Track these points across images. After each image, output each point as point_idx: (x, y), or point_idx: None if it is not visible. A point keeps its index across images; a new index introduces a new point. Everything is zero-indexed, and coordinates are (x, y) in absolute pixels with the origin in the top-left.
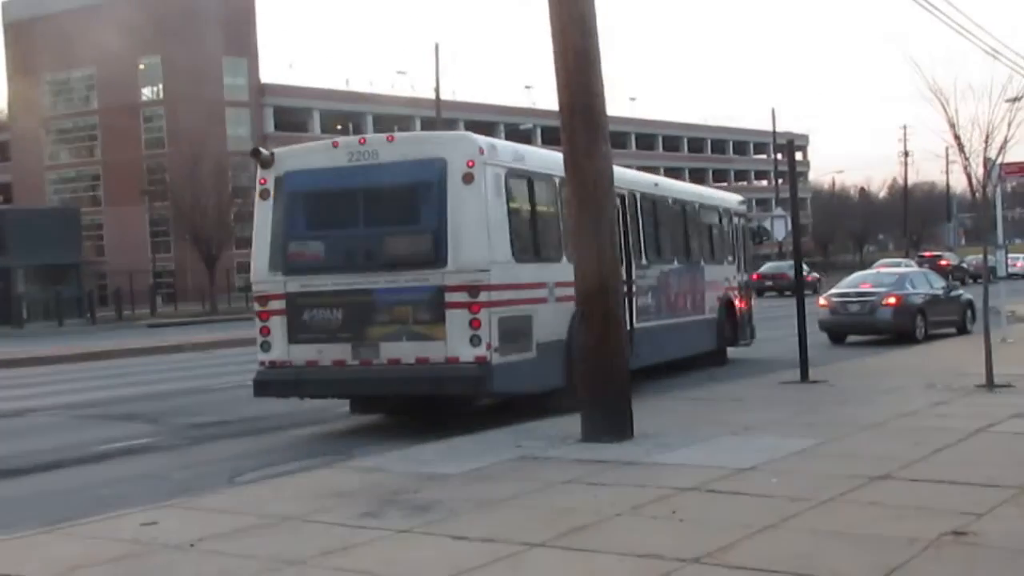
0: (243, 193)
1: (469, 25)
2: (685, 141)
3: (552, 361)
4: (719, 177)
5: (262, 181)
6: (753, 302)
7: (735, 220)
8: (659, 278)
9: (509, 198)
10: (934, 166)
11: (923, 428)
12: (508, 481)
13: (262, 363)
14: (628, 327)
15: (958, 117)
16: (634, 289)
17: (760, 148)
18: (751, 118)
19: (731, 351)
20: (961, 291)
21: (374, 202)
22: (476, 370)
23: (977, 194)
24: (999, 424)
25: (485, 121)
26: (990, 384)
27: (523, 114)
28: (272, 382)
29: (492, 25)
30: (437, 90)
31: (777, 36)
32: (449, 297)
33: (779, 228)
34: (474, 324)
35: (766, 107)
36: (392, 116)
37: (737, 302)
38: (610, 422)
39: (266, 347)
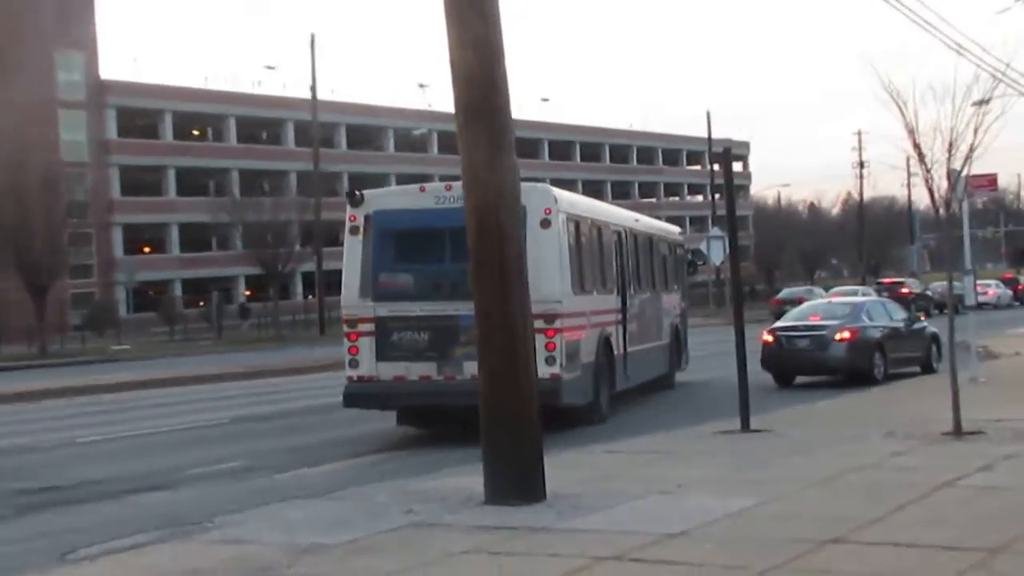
0: (79, 210)
1: (352, 14)
2: (607, 149)
3: (589, 379)
4: (646, 191)
5: (352, 218)
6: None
7: (678, 251)
8: (640, 305)
9: (571, 240)
10: (893, 179)
11: (881, 483)
12: (396, 553)
13: (350, 378)
14: (622, 351)
15: (918, 122)
16: (627, 316)
17: (694, 158)
18: (684, 124)
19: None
20: (925, 324)
21: (459, 240)
22: (551, 384)
23: (941, 211)
24: (967, 477)
25: (372, 125)
26: (958, 431)
27: (417, 117)
28: (361, 395)
29: (380, 14)
30: (313, 88)
31: (714, 30)
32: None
33: (716, 251)
34: (549, 347)
35: (700, 111)
36: (258, 119)
37: (681, 328)
38: (518, 481)
39: (354, 364)
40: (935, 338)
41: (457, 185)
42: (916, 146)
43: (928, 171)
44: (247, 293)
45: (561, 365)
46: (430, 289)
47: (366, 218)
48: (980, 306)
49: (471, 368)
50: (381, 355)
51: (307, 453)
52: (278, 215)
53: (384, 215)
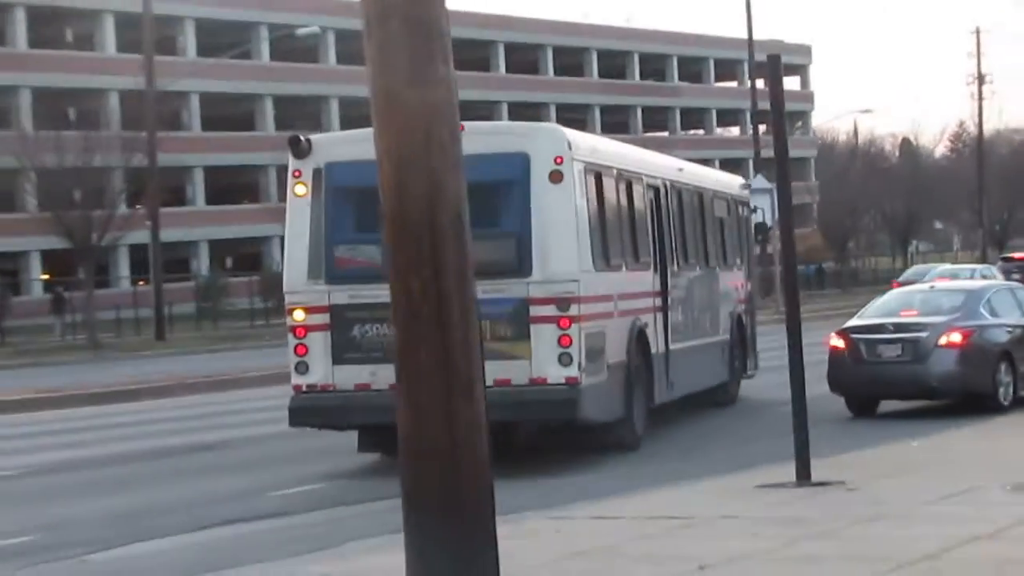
0: None
1: None
2: (592, 58)
3: (617, 385)
4: (653, 121)
5: (296, 173)
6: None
7: (741, 211)
8: (687, 287)
9: (587, 198)
10: None
11: (1007, 561)
12: None
13: (297, 388)
14: (663, 348)
15: None
16: (670, 301)
17: (726, 70)
18: (710, 20)
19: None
20: None
21: None
22: (567, 392)
23: None
24: None
25: (240, 21)
26: None
27: (303, 9)
28: (313, 408)
29: None
30: None
31: None
32: (535, 311)
33: (762, 208)
34: (563, 341)
35: (737, 3)
36: (63, 9)
37: (746, 319)
38: (456, 569)
39: (302, 368)
40: None
41: None
42: None
43: None
44: (44, 277)
45: (580, 366)
46: None
47: (315, 173)
48: None
49: None
50: (338, 356)
51: (137, 520)
52: (91, 158)
53: (339, 169)
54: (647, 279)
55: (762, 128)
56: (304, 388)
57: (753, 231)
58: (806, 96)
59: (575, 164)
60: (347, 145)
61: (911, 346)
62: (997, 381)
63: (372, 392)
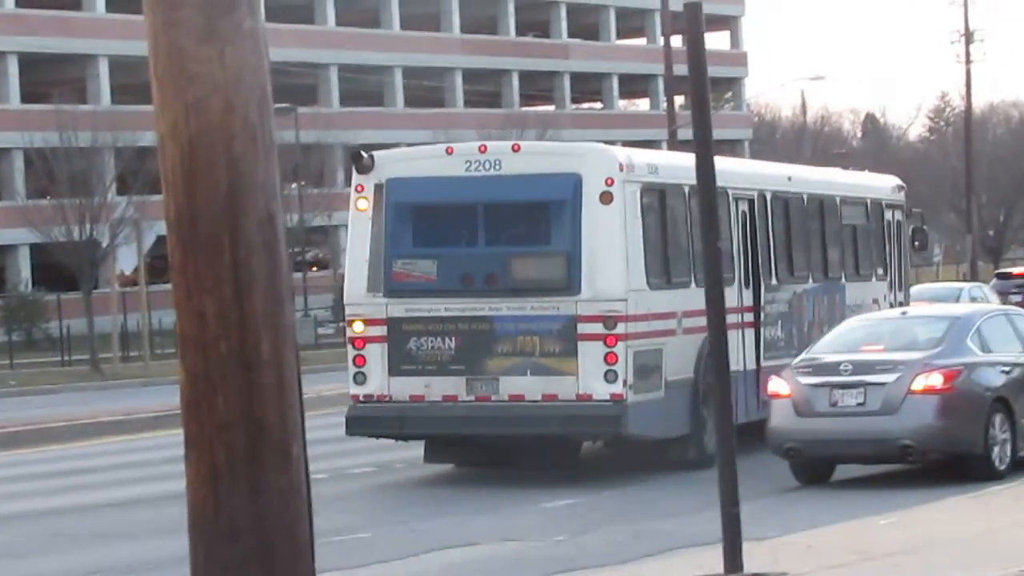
0: None
1: None
2: (453, 7)
3: (680, 402)
4: (535, 91)
5: (359, 188)
6: None
7: (889, 215)
8: (791, 302)
9: (644, 218)
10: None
11: None
12: None
13: (355, 397)
14: (753, 366)
15: None
16: (762, 316)
17: (632, 23)
18: None
19: None
20: None
21: (496, 219)
22: (612, 408)
23: None
24: None
25: None
26: None
27: None
28: (369, 419)
29: None
30: None
31: None
32: (582, 328)
33: None
34: (609, 359)
35: None
36: None
37: None
38: None
39: (360, 379)
40: None
41: (497, 146)
42: None
43: None
44: None
45: (626, 383)
46: (458, 282)
47: (377, 188)
48: None
49: (510, 386)
50: (395, 367)
51: None
52: None
53: (401, 184)
54: (728, 295)
55: (679, 101)
56: (361, 398)
57: (909, 237)
58: (737, 58)
59: (628, 185)
60: (409, 161)
61: (876, 392)
62: (990, 438)
63: (426, 404)
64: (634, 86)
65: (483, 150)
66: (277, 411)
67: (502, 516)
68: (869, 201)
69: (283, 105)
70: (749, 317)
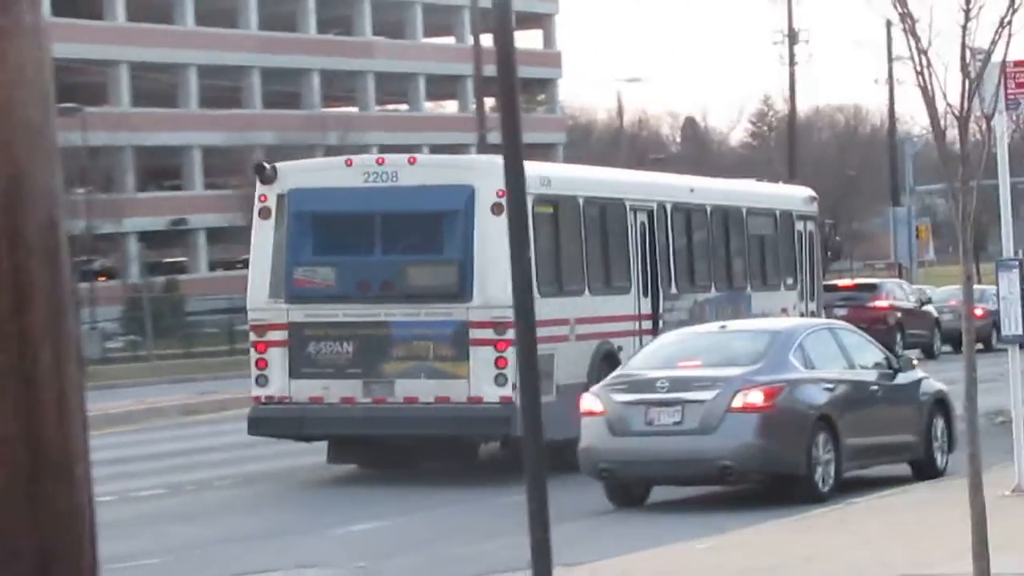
0: None
1: None
2: (250, 2)
3: (571, 407)
4: (338, 92)
5: (263, 198)
6: None
7: (800, 226)
8: (692, 311)
9: (535, 228)
10: (857, 71)
11: None
12: None
13: (257, 399)
14: None
15: None
16: (661, 324)
17: (441, 20)
18: None
19: None
20: (923, 375)
21: (393, 228)
22: (502, 411)
23: (950, 138)
24: None
25: None
26: None
27: None
28: (270, 419)
29: None
30: None
31: None
32: (474, 333)
33: None
34: (500, 363)
35: None
36: None
37: None
38: None
39: (262, 381)
40: (942, 405)
41: (394, 158)
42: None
43: (922, 52)
44: None
45: (515, 386)
46: (356, 288)
47: (279, 198)
48: None
49: (406, 389)
50: (295, 370)
51: None
52: None
53: (302, 194)
54: (624, 303)
55: (490, 103)
56: (263, 400)
57: (821, 247)
58: (551, 59)
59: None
60: (310, 172)
61: (694, 410)
62: (813, 459)
63: (325, 405)
64: (442, 87)
65: (381, 162)
66: (58, 429)
67: (303, 541)
68: (779, 212)
69: (69, 105)
70: (647, 324)
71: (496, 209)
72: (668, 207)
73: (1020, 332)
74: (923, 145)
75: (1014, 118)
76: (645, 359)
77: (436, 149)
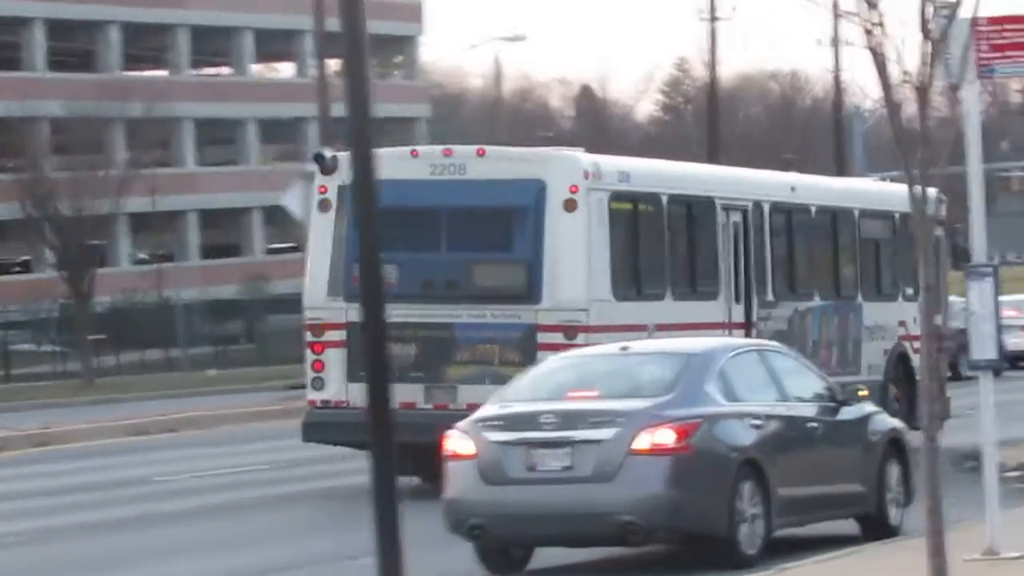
0: None
1: None
2: None
3: None
4: (141, 51)
5: (322, 190)
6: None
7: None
8: (793, 320)
9: (612, 227)
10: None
11: None
12: None
13: (312, 402)
14: None
15: None
16: (754, 334)
17: None
18: None
19: None
20: (873, 409)
21: (459, 224)
22: None
23: (907, 107)
24: None
25: None
26: None
27: None
28: (326, 424)
29: None
30: None
31: None
32: (542, 337)
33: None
34: None
35: None
36: None
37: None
38: None
39: (318, 384)
40: (896, 446)
41: (461, 150)
42: None
43: (872, 5)
44: None
45: None
46: (419, 288)
47: (340, 190)
48: (1013, 362)
49: (468, 395)
50: (354, 373)
51: None
52: None
53: None
54: (713, 309)
55: (334, 66)
56: (318, 404)
57: (950, 255)
58: (411, 10)
59: (594, 193)
60: None
61: (588, 453)
62: (737, 513)
63: None
64: (274, 45)
65: (448, 153)
66: None
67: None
68: (898, 215)
69: None
70: (739, 334)
71: (569, 206)
72: (765, 207)
73: (994, 356)
74: (875, 122)
75: (988, 89)
76: (527, 387)
77: (266, 123)
